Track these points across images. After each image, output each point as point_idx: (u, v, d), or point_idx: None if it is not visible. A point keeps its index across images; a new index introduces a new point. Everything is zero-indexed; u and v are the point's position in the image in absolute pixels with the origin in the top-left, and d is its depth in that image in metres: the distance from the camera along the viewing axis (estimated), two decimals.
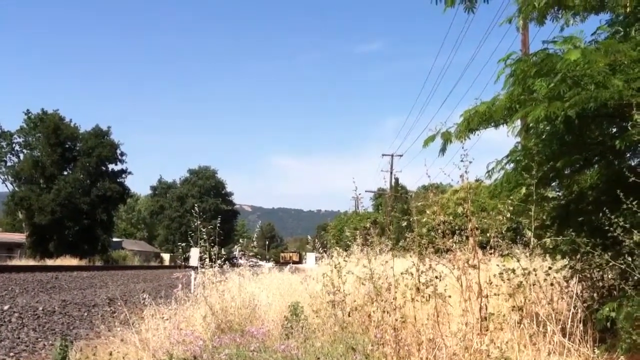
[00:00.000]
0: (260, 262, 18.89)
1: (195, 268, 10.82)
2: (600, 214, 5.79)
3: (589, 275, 6.89)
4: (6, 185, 71.69)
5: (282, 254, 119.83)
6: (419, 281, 5.75)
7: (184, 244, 10.37)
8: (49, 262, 52.84)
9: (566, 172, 7.54)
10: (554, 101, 5.90)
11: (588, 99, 5.57)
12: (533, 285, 5.84)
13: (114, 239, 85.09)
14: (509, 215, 5.96)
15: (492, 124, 7.62)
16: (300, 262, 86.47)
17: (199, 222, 9.22)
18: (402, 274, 6.15)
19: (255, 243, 11.00)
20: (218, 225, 9.71)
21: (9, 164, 71.80)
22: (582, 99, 5.60)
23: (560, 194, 7.98)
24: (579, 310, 5.81)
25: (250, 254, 11.62)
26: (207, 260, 9.41)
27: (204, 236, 9.20)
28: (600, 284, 6.86)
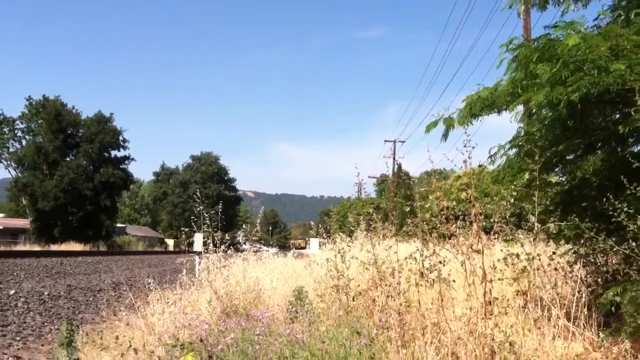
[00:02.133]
0: (264, 248, 18.92)
1: (199, 253, 10.86)
2: (604, 200, 5.79)
3: (593, 260, 6.90)
4: (9, 171, 71.95)
5: (292, 241, 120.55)
6: (423, 266, 5.77)
7: (186, 229, 10.37)
8: (54, 247, 53.11)
9: (569, 158, 7.53)
10: (556, 86, 5.89)
11: (590, 84, 5.56)
12: (537, 270, 5.85)
13: (118, 225, 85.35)
14: (512, 200, 5.97)
15: (495, 110, 7.61)
16: (304, 247, 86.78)
17: (201, 208, 9.22)
18: (406, 258, 6.17)
19: (258, 227, 10.97)
20: (220, 210, 9.71)
21: (11, 150, 72.00)
22: (585, 84, 5.59)
23: (563, 179, 7.98)
24: (583, 295, 5.83)
25: (254, 238, 11.65)
26: (211, 245, 9.44)
27: (207, 221, 9.21)
28: (605, 268, 6.87)
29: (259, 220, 11.24)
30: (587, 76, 5.67)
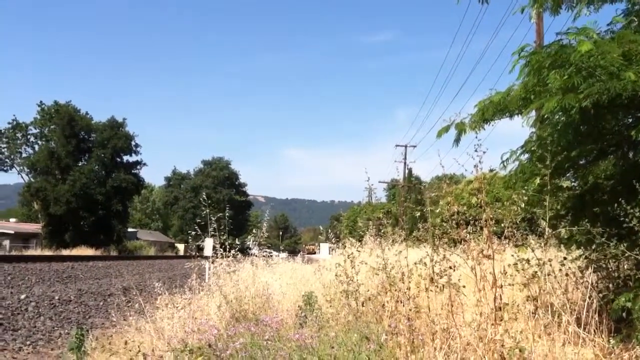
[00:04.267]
0: (274, 253, 18.85)
1: (209, 258, 10.85)
2: (616, 205, 5.75)
3: (604, 266, 6.84)
4: (22, 176, 72.37)
5: (305, 247, 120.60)
6: (433, 271, 5.74)
7: (194, 233, 10.32)
8: (65, 252, 53.24)
9: (581, 162, 7.49)
10: (567, 93, 5.85)
11: (601, 91, 5.52)
12: (548, 275, 5.80)
13: (129, 230, 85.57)
14: (523, 205, 5.93)
15: (507, 114, 7.58)
16: (314, 252, 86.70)
17: (208, 211, 9.19)
18: (415, 264, 6.14)
19: (264, 230, 10.89)
20: (228, 215, 9.68)
21: (24, 155, 72.41)
22: (595, 91, 5.55)
23: (575, 184, 7.93)
24: (594, 301, 5.78)
25: (262, 242, 11.61)
26: (221, 250, 9.43)
27: (214, 225, 9.19)
28: (616, 274, 6.81)
29: (265, 224, 11.17)
30: (598, 82, 5.63)
